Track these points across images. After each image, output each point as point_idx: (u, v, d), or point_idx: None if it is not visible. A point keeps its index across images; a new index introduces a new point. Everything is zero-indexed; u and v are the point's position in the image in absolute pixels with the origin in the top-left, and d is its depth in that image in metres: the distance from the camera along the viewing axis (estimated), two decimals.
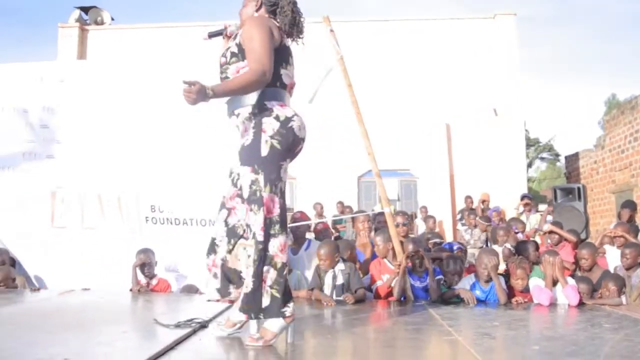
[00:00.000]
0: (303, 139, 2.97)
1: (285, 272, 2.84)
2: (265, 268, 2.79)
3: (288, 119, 2.88)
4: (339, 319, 4.01)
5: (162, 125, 5.57)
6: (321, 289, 4.72)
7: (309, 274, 5.17)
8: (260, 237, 2.79)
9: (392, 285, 4.80)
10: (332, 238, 6.40)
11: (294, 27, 3.07)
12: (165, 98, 5.34)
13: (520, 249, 5.45)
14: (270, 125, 2.84)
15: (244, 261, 2.87)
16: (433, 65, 13.87)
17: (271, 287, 2.79)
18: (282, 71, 2.99)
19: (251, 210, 2.82)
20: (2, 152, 5.75)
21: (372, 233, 5.84)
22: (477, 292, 4.71)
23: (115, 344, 2.85)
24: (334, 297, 4.63)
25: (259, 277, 2.78)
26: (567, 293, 4.57)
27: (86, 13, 15.85)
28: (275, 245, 2.81)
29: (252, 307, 2.79)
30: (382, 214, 5.60)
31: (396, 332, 3.55)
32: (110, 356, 2.63)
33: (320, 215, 11.07)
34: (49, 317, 3.73)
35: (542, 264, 4.77)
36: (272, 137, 2.83)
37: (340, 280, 4.71)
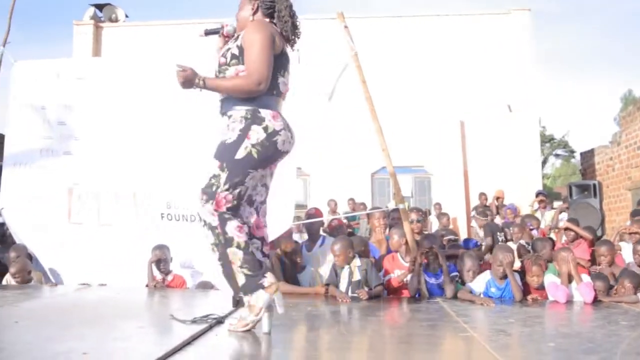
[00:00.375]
0: (286, 152, 3.02)
1: (250, 250, 2.89)
2: (229, 250, 2.85)
3: (275, 132, 2.91)
4: (354, 316, 4.02)
5: (177, 122, 5.58)
6: (337, 286, 4.71)
7: (323, 270, 5.18)
8: (214, 223, 2.86)
9: (405, 281, 4.80)
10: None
11: (295, 33, 3.09)
12: (181, 95, 5.34)
13: (536, 246, 5.43)
14: (256, 134, 2.88)
15: (209, 248, 2.95)
16: (447, 62, 13.79)
17: (241, 267, 2.86)
18: (280, 79, 3.01)
19: (201, 199, 2.87)
20: (20, 148, 5.81)
21: (388, 230, 5.83)
22: (492, 289, 4.70)
23: (132, 339, 2.88)
24: (350, 293, 4.62)
25: (226, 260, 2.86)
26: (582, 290, 4.54)
27: (100, 10, 15.97)
28: (232, 227, 2.85)
29: (234, 286, 2.91)
30: (396, 210, 5.60)
31: (411, 328, 3.55)
32: (127, 351, 2.65)
33: (334, 211, 11.06)
34: (66, 312, 3.77)
35: (556, 261, 4.75)
36: (253, 145, 2.87)
37: (356, 277, 4.70)
